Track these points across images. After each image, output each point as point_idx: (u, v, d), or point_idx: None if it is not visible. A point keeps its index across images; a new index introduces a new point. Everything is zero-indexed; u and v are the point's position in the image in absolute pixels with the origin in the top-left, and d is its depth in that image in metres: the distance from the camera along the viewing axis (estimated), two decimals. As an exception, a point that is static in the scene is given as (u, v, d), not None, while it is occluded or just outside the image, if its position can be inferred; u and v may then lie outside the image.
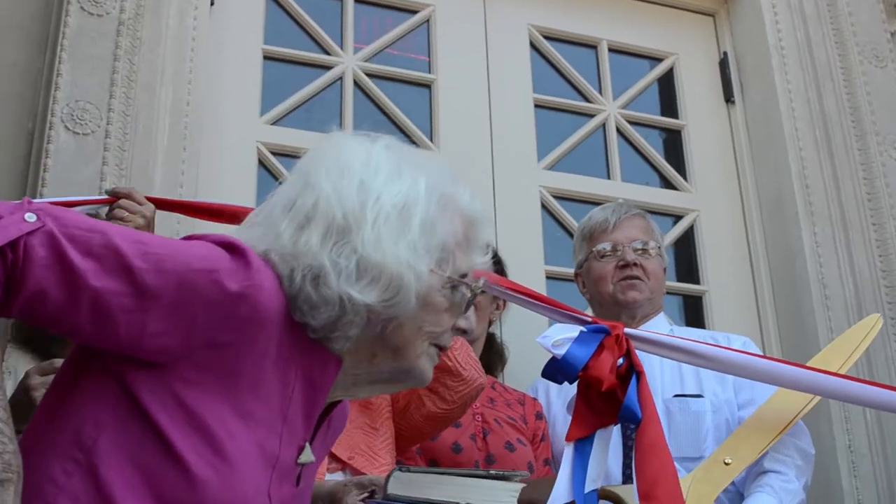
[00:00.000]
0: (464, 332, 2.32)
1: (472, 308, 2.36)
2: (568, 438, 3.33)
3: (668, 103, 5.69)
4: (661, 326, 4.11)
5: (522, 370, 4.28)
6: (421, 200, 2.13)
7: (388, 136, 2.27)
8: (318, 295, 2.02)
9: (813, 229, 5.06)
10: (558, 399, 4.03)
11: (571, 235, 4.77)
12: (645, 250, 4.12)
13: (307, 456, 2.13)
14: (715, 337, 4.10)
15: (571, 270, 4.41)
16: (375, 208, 2.09)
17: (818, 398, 3.79)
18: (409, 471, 2.45)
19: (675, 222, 5.32)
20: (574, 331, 3.36)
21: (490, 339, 4.24)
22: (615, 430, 3.53)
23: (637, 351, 3.87)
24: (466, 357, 3.39)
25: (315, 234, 2.06)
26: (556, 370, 3.34)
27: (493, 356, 4.22)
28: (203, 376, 1.95)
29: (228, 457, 1.94)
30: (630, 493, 3.35)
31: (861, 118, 5.33)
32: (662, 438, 3.29)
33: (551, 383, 3.58)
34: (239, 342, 1.96)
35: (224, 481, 1.92)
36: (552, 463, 3.92)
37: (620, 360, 3.33)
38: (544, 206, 5.10)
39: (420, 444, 3.67)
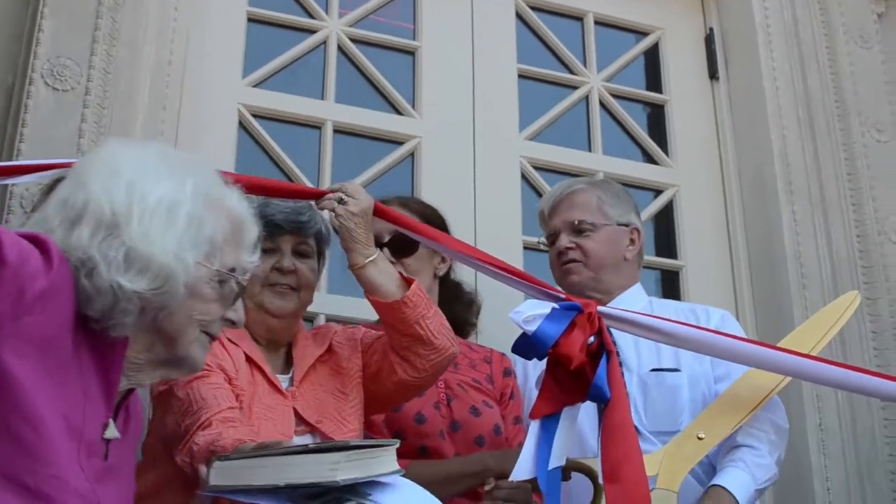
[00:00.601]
0: (233, 323, 2.41)
1: (240, 301, 2.48)
2: (533, 415, 3.34)
3: (653, 78, 5.68)
4: (637, 298, 4.10)
5: (499, 329, 4.25)
6: (187, 198, 2.32)
7: (161, 143, 2.61)
8: (91, 286, 2.19)
9: (792, 208, 5.06)
10: (535, 372, 4.01)
11: (551, 207, 4.77)
12: (581, 230, 4.09)
13: (112, 432, 2.29)
14: (694, 310, 4.10)
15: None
16: (142, 205, 2.26)
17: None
18: (227, 459, 2.44)
19: (655, 197, 5.32)
20: (546, 307, 3.36)
21: (456, 288, 4.17)
22: (593, 404, 3.53)
23: (611, 328, 3.91)
24: (439, 326, 3.39)
25: (86, 229, 2.23)
26: (526, 346, 3.35)
27: (460, 307, 4.14)
28: (25, 347, 2.06)
29: (44, 424, 2.08)
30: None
31: (844, 98, 5.34)
32: (630, 419, 3.30)
33: (528, 354, 3.59)
34: (48, 318, 2.10)
35: (41, 447, 2.06)
36: (523, 422, 3.90)
37: (592, 339, 3.33)
38: (524, 177, 5.09)
39: (386, 412, 3.66)
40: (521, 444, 3.61)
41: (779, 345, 3.90)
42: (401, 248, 3.85)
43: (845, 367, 3.86)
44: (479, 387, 3.89)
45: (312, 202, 3.50)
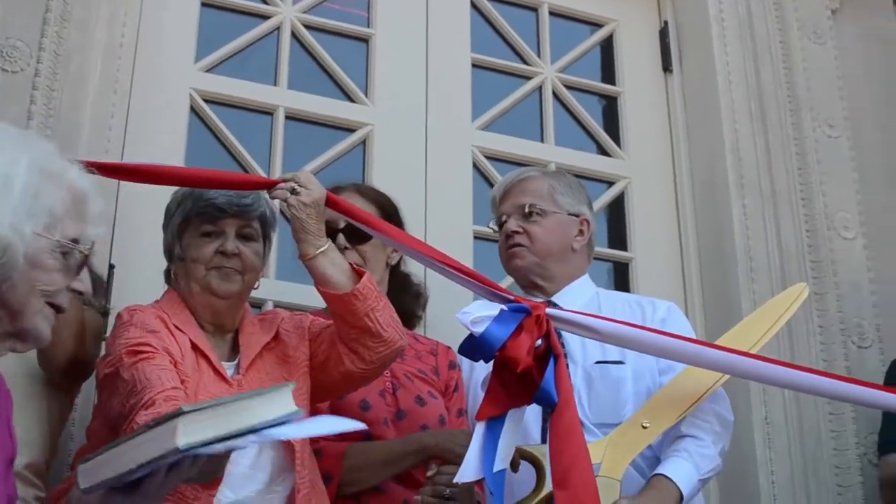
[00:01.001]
0: (80, 293, 2.43)
1: (86, 271, 2.48)
2: (479, 417, 3.33)
3: (607, 70, 5.69)
4: (584, 289, 4.10)
5: (447, 324, 4.27)
6: (22, 171, 2.33)
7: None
8: None
9: (743, 201, 5.09)
10: (481, 368, 3.99)
11: (502, 197, 4.79)
12: (529, 215, 4.07)
13: None
14: (640, 302, 4.11)
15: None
16: None
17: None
18: (87, 460, 2.42)
19: (607, 189, 5.32)
20: (494, 308, 3.36)
21: (405, 279, 4.18)
22: (538, 397, 3.53)
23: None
24: (388, 319, 3.39)
25: None
26: (473, 348, 3.34)
27: (408, 298, 4.15)
28: None
29: None
30: (545, 452, 3.37)
31: (797, 94, 5.37)
32: (578, 424, 3.29)
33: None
34: None
35: None
36: (466, 414, 3.92)
37: (539, 341, 3.32)
38: (476, 166, 5.09)
39: (332, 400, 3.65)
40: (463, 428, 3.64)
41: (726, 335, 3.94)
42: (356, 235, 3.85)
43: (787, 366, 3.88)
44: (424, 377, 3.90)
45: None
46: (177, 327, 3.35)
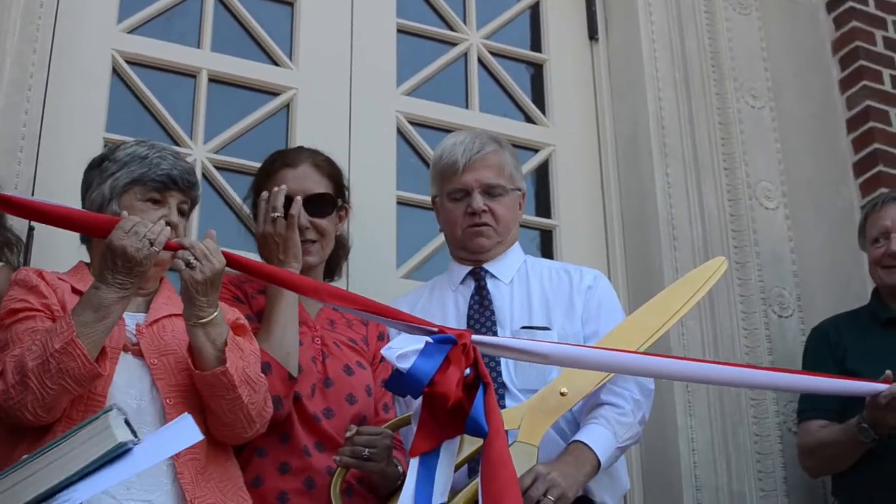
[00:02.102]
0: None
1: None
2: (413, 453, 3.27)
3: (534, 37, 5.68)
4: (515, 258, 4.12)
5: (369, 272, 4.26)
6: None
7: None
8: None
9: (666, 170, 5.11)
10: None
11: (426, 162, 4.80)
12: (494, 194, 4.05)
13: None
14: (567, 269, 4.12)
15: (423, 197, 4.40)
16: None
17: (657, 336, 3.83)
18: None
19: (532, 156, 5.31)
20: (419, 342, 3.26)
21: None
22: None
23: (489, 287, 3.88)
24: (234, 408, 3.28)
25: None
26: (400, 384, 3.26)
27: (337, 250, 4.10)
28: None
29: None
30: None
31: (721, 63, 5.40)
32: (508, 454, 3.22)
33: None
34: None
35: None
36: None
37: (468, 371, 3.26)
38: (400, 132, 5.07)
39: None
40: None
41: (646, 305, 4.00)
42: (317, 209, 3.88)
43: (716, 364, 3.99)
44: (354, 346, 3.88)
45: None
46: (60, 279, 3.36)
